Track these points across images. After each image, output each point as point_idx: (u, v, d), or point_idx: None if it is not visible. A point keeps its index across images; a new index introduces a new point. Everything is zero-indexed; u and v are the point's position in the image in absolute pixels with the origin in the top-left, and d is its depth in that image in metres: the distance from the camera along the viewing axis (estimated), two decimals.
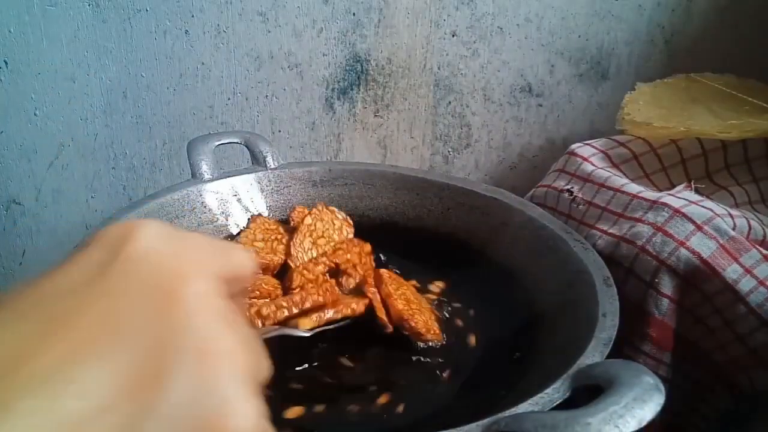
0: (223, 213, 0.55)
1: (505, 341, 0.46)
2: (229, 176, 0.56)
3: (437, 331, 0.46)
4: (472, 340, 0.47)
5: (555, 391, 0.34)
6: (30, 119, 0.62)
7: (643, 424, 0.29)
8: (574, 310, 0.43)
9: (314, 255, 0.51)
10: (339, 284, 0.49)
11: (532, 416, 0.30)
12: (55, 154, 0.64)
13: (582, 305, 0.42)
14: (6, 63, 0.59)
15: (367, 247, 0.52)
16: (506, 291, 0.50)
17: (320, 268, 0.49)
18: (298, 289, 0.46)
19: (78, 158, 0.65)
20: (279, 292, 0.47)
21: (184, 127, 0.67)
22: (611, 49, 0.76)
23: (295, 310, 0.44)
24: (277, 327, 0.42)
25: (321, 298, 0.44)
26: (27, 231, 0.66)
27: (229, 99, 0.67)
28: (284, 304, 0.44)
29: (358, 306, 0.46)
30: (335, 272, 0.50)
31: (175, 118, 0.66)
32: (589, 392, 0.32)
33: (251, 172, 0.57)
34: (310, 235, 0.52)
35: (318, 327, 0.44)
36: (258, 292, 0.46)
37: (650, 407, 0.29)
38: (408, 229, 0.58)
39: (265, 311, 0.43)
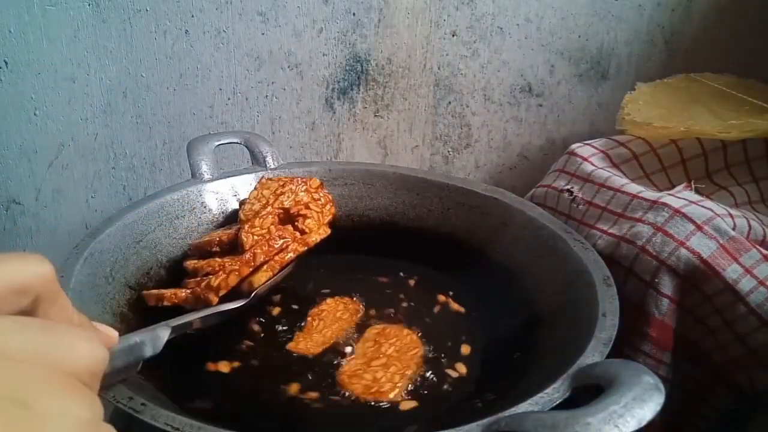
0: (223, 213, 0.55)
1: (505, 341, 0.46)
2: (229, 176, 0.56)
3: (396, 389, 0.41)
4: (471, 339, 0.47)
5: (555, 391, 0.34)
6: (30, 119, 0.62)
7: (643, 423, 0.29)
8: (574, 310, 0.43)
9: (257, 209, 0.49)
10: (297, 228, 0.48)
11: (532, 416, 0.30)
12: (55, 154, 0.64)
13: (582, 305, 0.42)
14: (6, 63, 0.59)
15: (315, 182, 0.52)
16: (506, 291, 0.50)
17: (269, 219, 0.47)
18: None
19: (78, 158, 0.65)
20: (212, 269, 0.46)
21: (184, 127, 0.67)
22: (611, 49, 0.75)
23: (247, 270, 0.44)
24: (210, 308, 0.42)
25: (264, 250, 0.44)
26: (27, 231, 0.66)
27: (229, 99, 0.67)
28: (235, 267, 0.44)
29: (310, 238, 0.47)
30: (290, 218, 0.49)
31: (175, 118, 0.66)
32: (589, 392, 0.32)
33: (251, 172, 0.57)
34: (255, 198, 0.51)
35: (274, 276, 0.45)
36: (196, 271, 0.46)
37: (650, 407, 0.30)
38: (408, 229, 0.58)
39: (214, 282, 0.43)
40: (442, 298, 0.51)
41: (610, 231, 0.52)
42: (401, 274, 0.54)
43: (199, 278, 0.45)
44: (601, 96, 0.78)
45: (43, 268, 0.23)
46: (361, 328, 0.48)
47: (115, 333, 0.29)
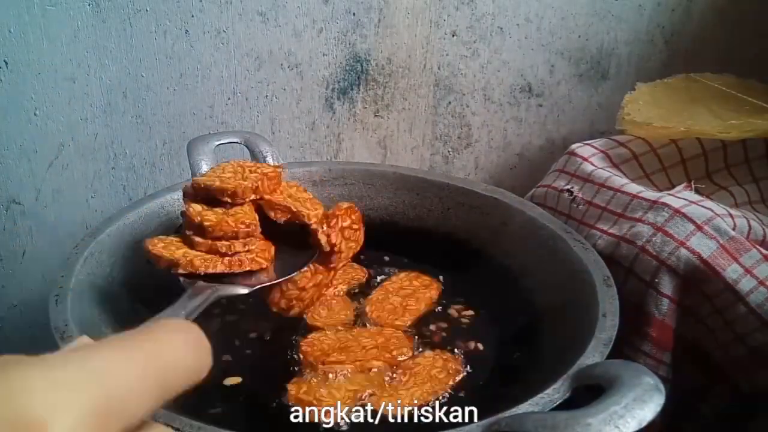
0: None
1: (505, 341, 0.46)
2: None
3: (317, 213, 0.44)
4: (470, 340, 0.47)
5: (555, 392, 0.34)
6: (30, 119, 0.62)
7: (644, 424, 0.29)
8: (574, 310, 0.43)
9: (320, 214, 0.47)
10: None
11: (533, 416, 0.30)
12: (55, 154, 0.64)
13: (582, 305, 0.42)
14: (6, 63, 0.59)
15: (266, 168, 0.48)
16: (506, 291, 0.50)
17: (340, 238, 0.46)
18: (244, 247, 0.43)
19: (78, 158, 0.65)
20: (251, 229, 0.43)
21: (184, 127, 0.67)
22: (611, 49, 0.75)
23: (234, 270, 0.41)
24: (214, 288, 0.40)
25: (264, 262, 0.42)
26: (27, 231, 0.66)
27: (229, 99, 0.67)
28: (220, 266, 0.41)
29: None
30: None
31: (175, 118, 0.66)
32: (589, 392, 0.32)
33: None
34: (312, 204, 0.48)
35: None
36: (222, 231, 0.42)
37: (650, 408, 0.30)
38: (408, 229, 0.58)
39: (198, 263, 0.40)
40: (471, 344, 0.47)
41: (610, 231, 0.52)
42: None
43: (228, 242, 0.42)
44: (601, 96, 0.78)
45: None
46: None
47: None
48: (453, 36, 0.71)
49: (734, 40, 0.77)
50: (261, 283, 0.42)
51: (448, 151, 0.77)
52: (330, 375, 0.42)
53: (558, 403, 0.33)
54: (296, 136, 0.71)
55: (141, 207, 0.51)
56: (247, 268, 0.41)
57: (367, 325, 0.47)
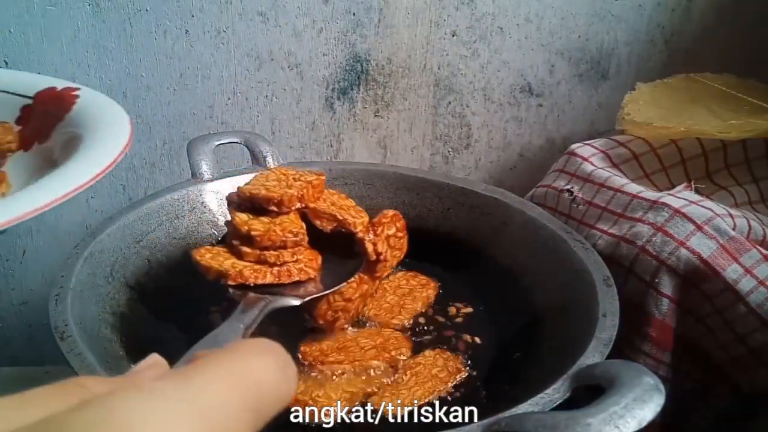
0: (222, 213, 0.55)
1: (505, 341, 0.46)
2: (229, 176, 0.56)
3: (364, 220, 0.43)
4: (470, 339, 0.47)
5: (555, 392, 0.34)
6: None
7: (644, 424, 0.29)
8: (574, 310, 0.43)
9: (366, 220, 0.45)
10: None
11: (533, 416, 0.30)
12: None
13: (582, 305, 0.42)
14: (6, 63, 0.59)
15: (310, 176, 0.46)
16: (506, 291, 0.50)
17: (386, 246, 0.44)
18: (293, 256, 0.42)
19: None
20: (299, 238, 0.42)
21: (184, 127, 0.67)
22: (611, 49, 0.75)
23: (283, 280, 0.41)
24: (267, 300, 0.38)
25: (312, 272, 0.41)
26: (27, 231, 0.66)
27: (229, 99, 0.67)
28: (269, 277, 0.40)
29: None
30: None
31: (175, 118, 0.66)
32: (589, 392, 0.32)
33: (251, 172, 0.57)
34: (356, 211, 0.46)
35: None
36: (270, 241, 0.41)
37: (650, 408, 0.30)
38: (408, 229, 0.58)
39: (247, 273, 0.40)
40: (471, 343, 0.47)
41: (610, 231, 0.52)
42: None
43: (277, 252, 0.41)
44: (601, 96, 0.78)
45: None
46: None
47: None
48: (453, 36, 0.71)
49: (734, 40, 0.77)
50: (310, 294, 0.40)
51: (448, 151, 0.77)
52: (333, 375, 0.42)
53: (558, 403, 0.33)
54: (296, 136, 0.71)
55: (141, 207, 0.51)
56: (296, 279, 0.40)
57: (366, 323, 0.47)
